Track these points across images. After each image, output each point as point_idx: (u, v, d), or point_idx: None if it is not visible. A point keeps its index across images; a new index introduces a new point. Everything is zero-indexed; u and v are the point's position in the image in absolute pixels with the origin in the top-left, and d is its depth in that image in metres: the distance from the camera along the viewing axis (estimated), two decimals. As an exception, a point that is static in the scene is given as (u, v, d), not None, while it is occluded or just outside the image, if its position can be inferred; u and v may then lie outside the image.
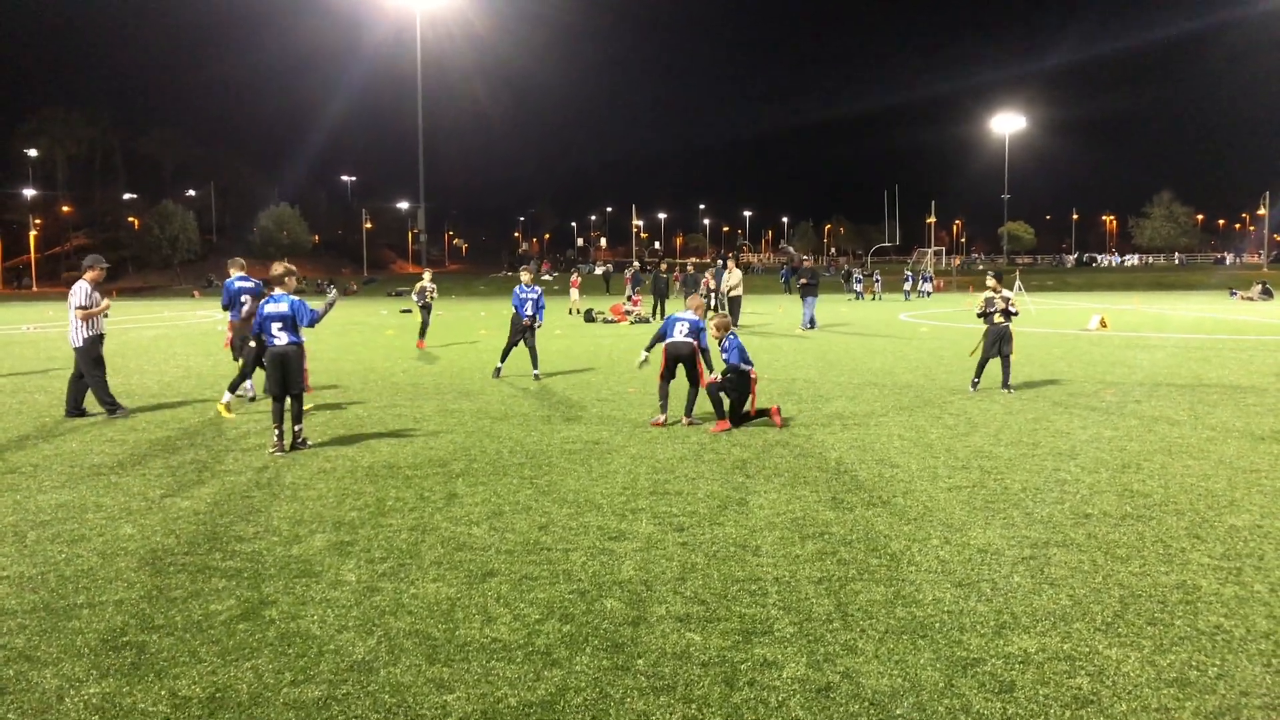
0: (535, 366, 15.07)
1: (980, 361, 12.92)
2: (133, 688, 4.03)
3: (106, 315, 11.67)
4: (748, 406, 10.37)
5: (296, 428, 9.26)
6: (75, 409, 11.38)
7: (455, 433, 10.08)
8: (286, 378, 9.10)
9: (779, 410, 10.52)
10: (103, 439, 9.87)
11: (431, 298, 22.34)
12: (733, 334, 10.68)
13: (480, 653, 4.38)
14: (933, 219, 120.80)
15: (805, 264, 43.88)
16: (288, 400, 9.18)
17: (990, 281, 13.16)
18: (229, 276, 12.77)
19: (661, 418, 10.47)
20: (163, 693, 3.98)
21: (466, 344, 22.67)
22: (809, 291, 27.40)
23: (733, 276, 25.68)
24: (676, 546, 5.97)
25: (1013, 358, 12.87)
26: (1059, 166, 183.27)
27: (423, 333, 21.53)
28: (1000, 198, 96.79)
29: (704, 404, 10.67)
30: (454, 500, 7.18)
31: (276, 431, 9.04)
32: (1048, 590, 5.14)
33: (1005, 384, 12.82)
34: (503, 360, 15.34)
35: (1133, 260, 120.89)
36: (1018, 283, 40.27)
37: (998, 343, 12.73)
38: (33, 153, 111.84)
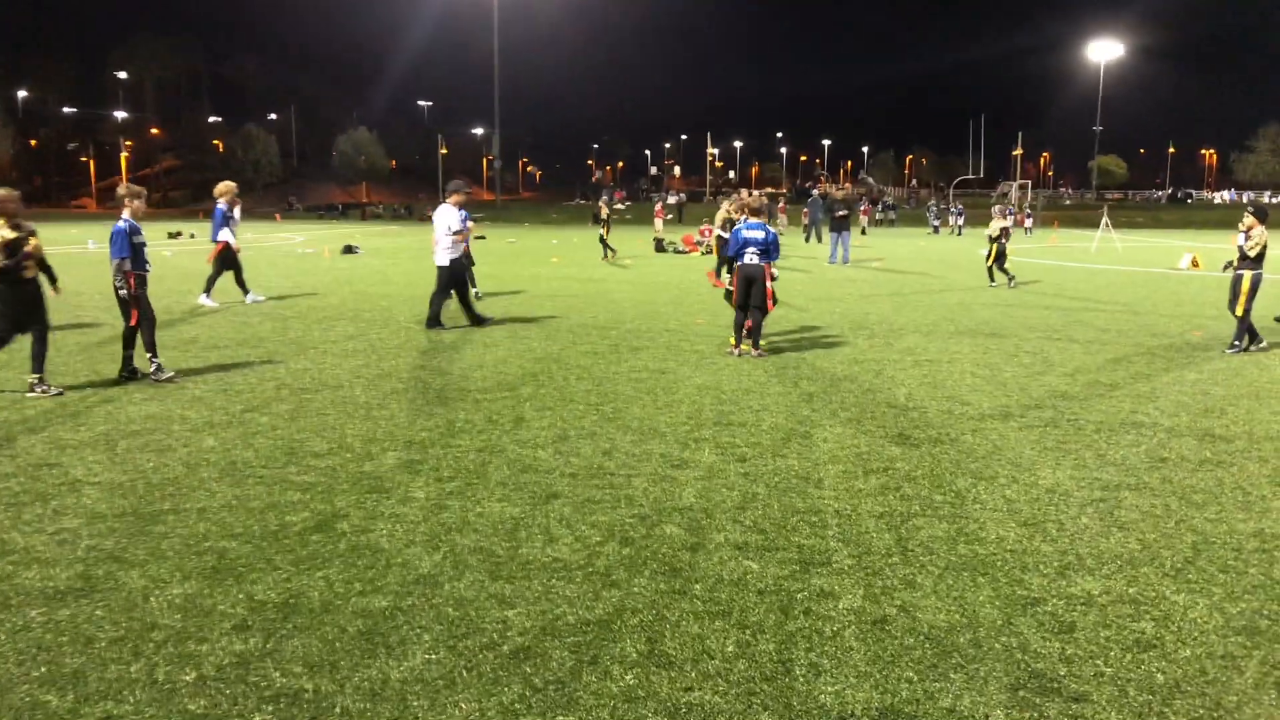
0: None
1: (1243, 316, 10.81)
2: (213, 590, 4.24)
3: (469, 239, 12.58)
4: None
5: (127, 353, 8.79)
6: (436, 321, 12.36)
7: (524, 359, 10.21)
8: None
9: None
10: (191, 356, 10.23)
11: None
12: (741, 225, 10.58)
13: (541, 571, 4.48)
14: (1019, 151, 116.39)
15: (841, 195, 42.35)
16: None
17: (1247, 220, 10.73)
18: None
19: (737, 350, 10.42)
20: (240, 596, 4.18)
21: (540, 271, 22.80)
22: (842, 224, 25.55)
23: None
24: (738, 476, 5.99)
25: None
26: (1156, 97, 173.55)
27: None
28: (1092, 130, 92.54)
29: (771, 328, 10.57)
30: (521, 424, 7.30)
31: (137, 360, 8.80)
32: (1116, 533, 5.04)
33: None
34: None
35: (1226, 196, 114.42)
36: (1104, 219, 38.68)
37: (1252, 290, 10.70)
38: (123, 75, 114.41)
